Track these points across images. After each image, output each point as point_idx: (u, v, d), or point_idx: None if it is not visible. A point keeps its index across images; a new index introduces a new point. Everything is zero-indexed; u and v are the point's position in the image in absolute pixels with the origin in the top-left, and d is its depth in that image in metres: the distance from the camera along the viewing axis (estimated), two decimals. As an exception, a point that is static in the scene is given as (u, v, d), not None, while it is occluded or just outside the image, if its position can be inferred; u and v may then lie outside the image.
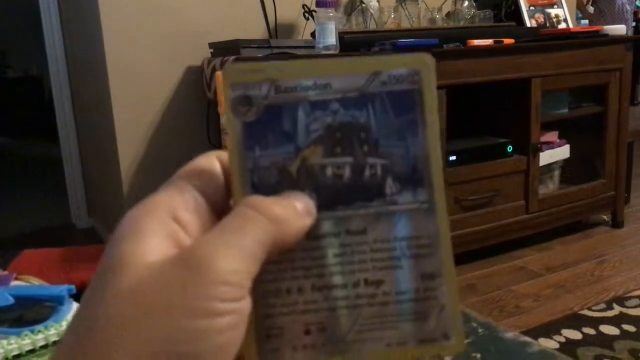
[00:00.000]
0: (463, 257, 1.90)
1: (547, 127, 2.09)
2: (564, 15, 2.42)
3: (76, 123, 2.62)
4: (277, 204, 0.20)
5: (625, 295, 1.74)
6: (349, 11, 2.06)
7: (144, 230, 0.19)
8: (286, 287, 0.20)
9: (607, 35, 2.15)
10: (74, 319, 0.18)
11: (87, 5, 2.03)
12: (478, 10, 2.18)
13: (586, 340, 1.50)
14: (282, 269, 0.20)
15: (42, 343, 0.46)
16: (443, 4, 2.19)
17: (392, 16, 2.05)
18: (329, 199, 0.21)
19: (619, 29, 2.21)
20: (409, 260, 0.21)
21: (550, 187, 2.20)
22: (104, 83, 1.97)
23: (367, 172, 0.21)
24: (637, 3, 5.26)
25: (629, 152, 2.34)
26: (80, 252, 0.70)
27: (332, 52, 1.68)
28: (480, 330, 0.45)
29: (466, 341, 0.44)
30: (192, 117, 2.05)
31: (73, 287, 0.51)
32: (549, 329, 1.56)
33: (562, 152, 2.18)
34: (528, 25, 2.29)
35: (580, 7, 4.18)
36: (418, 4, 2.10)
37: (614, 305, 1.67)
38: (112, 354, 0.17)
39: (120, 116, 1.95)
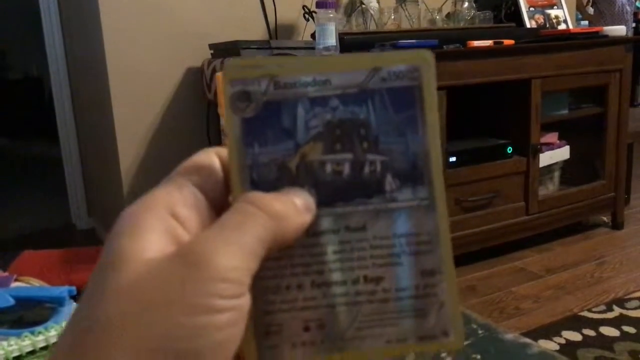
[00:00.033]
0: (463, 259, 1.90)
1: (547, 128, 2.09)
2: (563, 16, 2.42)
3: (76, 123, 2.62)
4: (276, 200, 0.20)
5: (626, 297, 1.74)
6: (349, 12, 2.07)
7: (142, 226, 0.19)
8: (285, 283, 0.20)
9: (607, 36, 2.15)
10: (72, 316, 0.18)
11: (87, 5, 2.03)
12: (478, 11, 2.18)
13: (586, 342, 1.50)
14: (281, 266, 0.20)
15: (42, 344, 0.46)
16: (443, 5, 2.20)
17: (392, 17, 2.05)
18: (329, 195, 0.21)
19: (618, 30, 2.21)
20: (409, 257, 0.21)
21: (550, 188, 2.20)
22: (104, 83, 1.97)
23: (366, 169, 0.21)
24: (637, 4, 5.26)
25: (629, 153, 2.34)
26: (80, 253, 0.70)
27: (332, 53, 1.68)
28: (480, 332, 0.45)
29: (466, 342, 0.44)
30: (192, 118, 2.05)
31: (73, 288, 0.51)
32: (549, 331, 1.56)
33: (562, 153, 2.18)
34: (528, 26, 2.29)
35: (580, 8, 4.18)
36: (418, 5, 2.10)
37: (614, 306, 1.67)
38: (111, 351, 0.17)
39: (121, 116, 1.95)
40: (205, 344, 0.17)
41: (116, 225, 0.19)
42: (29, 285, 0.56)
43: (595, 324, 1.58)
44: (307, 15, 2.05)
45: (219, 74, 0.48)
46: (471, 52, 1.81)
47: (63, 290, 0.50)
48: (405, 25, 2.06)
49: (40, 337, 0.46)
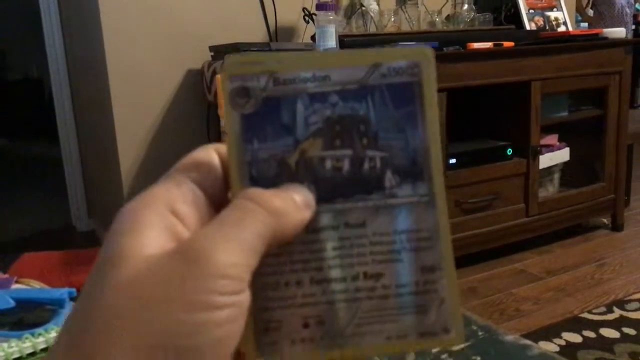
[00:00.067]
0: (463, 260, 1.90)
1: (546, 130, 2.09)
2: (563, 18, 2.43)
3: (76, 124, 2.62)
4: (276, 197, 0.19)
5: (626, 299, 1.74)
6: (349, 14, 2.07)
7: (141, 223, 0.18)
8: (285, 280, 0.20)
9: (606, 38, 2.15)
10: (71, 313, 0.18)
11: (87, 5, 2.03)
12: (478, 13, 2.18)
13: (586, 344, 1.50)
14: (280, 262, 0.20)
15: (42, 346, 0.46)
16: (443, 7, 2.20)
17: (392, 19, 2.06)
18: (328, 191, 0.21)
19: (618, 32, 2.21)
20: (409, 254, 0.21)
21: (550, 190, 2.20)
22: (104, 83, 1.97)
23: (366, 165, 0.21)
24: (636, 6, 5.26)
25: (629, 155, 2.34)
26: (80, 255, 0.70)
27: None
28: (480, 333, 0.45)
29: (466, 344, 0.44)
30: (193, 119, 2.05)
31: (74, 290, 0.51)
32: (549, 332, 1.56)
33: (562, 155, 2.18)
34: (528, 28, 2.30)
35: (579, 10, 4.19)
36: (418, 7, 2.11)
37: (614, 308, 1.67)
38: (110, 348, 0.17)
39: (121, 117, 1.95)
40: (205, 340, 0.17)
41: (115, 222, 0.19)
42: (29, 287, 0.56)
43: (595, 325, 1.58)
44: (307, 18, 2.05)
45: (219, 76, 0.48)
46: (471, 54, 1.81)
47: (63, 292, 0.50)
48: (405, 28, 2.07)
49: (41, 339, 0.46)
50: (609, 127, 2.20)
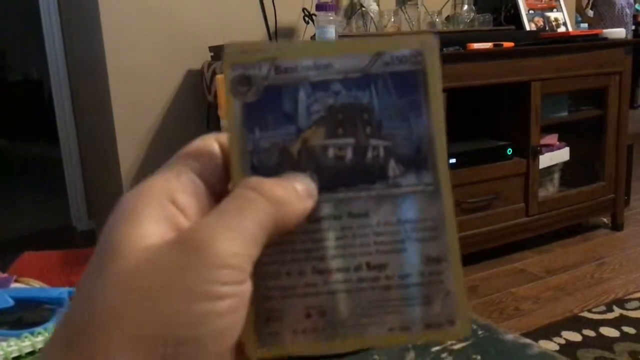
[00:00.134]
0: (463, 260, 1.89)
1: (546, 130, 2.09)
2: (563, 18, 2.43)
3: (76, 124, 2.62)
4: (277, 186, 0.19)
5: (625, 298, 1.74)
6: (349, 15, 2.07)
7: (141, 213, 0.18)
8: (286, 269, 0.20)
9: (606, 38, 2.15)
10: (70, 304, 0.18)
11: (87, 6, 2.03)
12: (477, 14, 2.19)
13: (586, 342, 1.50)
14: (282, 252, 0.20)
15: (41, 345, 0.46)
16: (443, 7, 2.20)
17: (392, 20, 2.06)
18: (331, 180, 0.20)
19: (618, 32, 2.21)
20: (413, 244, 0.20)
21: (550, 189, 2.20)
22: (104, 84, 1.97)
23: (369, 154, 0.20)
24: (636, 6, 5.27)
25: (629, 154, 2.34)
26: (80, 254, 0.70)
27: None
28: (480, 332, 0.45)
29: (466, 343, 0.44)
30: (192, 119, 2.05)
31: (73, 289, 0.51)
32: (549, 331, 1.56)
33: (562, 154, 2.18)
34: (527, 28, 2.30)
35: (579, 11, 4.19)
36: (418, 7, 2.11)
37: (614, 307, 1.67)
38: (110, 339, 0.16)
39: (121, 118, 1.95)
40: (207, 331, 0.17)
41: (113, 212, 0.19)
42: (28, 286, 0.56)
43: (595, 324, 1.58)
44: (307, 18, 2.05)
45: (219, 76, 0.48)
46: (471, 55, 1.82)
47: (63, 291, 0.50)
48: (405, 28, 2.07)
49: (40, 338, 0.46)
50: (609, 127, 2.20)
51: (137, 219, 0.18)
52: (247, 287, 0.18)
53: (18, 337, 0.45)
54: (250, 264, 0.18)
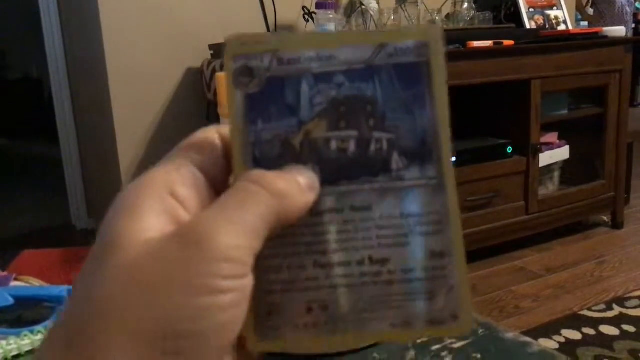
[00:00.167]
0: (463, 258, 1.90)
1: (546, 128, 2.09)
2: (563, 16, 2.42)
3: (76, 124, 2.62)
4: (279, 179, 0.19)
5: (625, 296, 1.74)
6: (348, 13, 2.07)
7: (140, 206, 0.18)
8: (287, 263, 0.20)
9: (606, 36, 2.15)
10: (69, 298, 0.18)
11: (87, 6, 2.03)
12: (478, 12, 2.18)
13: (586, 341, 1.50)
14: (283, 245, 0.20)
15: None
16: (443, 5, 2.20)
17: (392, 18, 2.05)
18: (333, 173, 0.20)
19: (618, 30, 2.21)
20: (417, 238, 0.20)
21: (550, 188, 2.20)
22: (104, 84, 1.97)
23: (372, 147, 0.20)
24: (637, 5, 5.26)
25: (629, 153, 2.34)
26: (80, 253, 0.70)
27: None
28: (480, 331, 0.45)
29: (466, 342, 0.44)
30: (192, 118, 2.05)
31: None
32: (548, 330, 1.56)
33: (562, 153, 2.18)
34: (527, 27, 2.29)
35: (579, 9, 4.18)
36: (418, 5, 2.10)
37: (614, 305, 1.67)
38: (110, 338, 0.16)
39: (120, 117, 1.95)
40: (208, 325, 0.17)
41: (113, 206, 0.19)
42: (28, 284, 0.56)
43: (595, 322, 1.58)
44: (307, 16, 2.05)
45: (219, 74, 0.48)
46: (471, 53, 1.81)
47: (62, 289, 0.50)
48: (405, 26, 2.06)
49: (40, 337, 0.46)
50: (609, 126, 2.20)
51: (138, 212, 0.18)
52: (248, 281, 0.18)
53: (18, 335, 0.45)
54: (252, 257, 0.18)
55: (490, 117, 2.15)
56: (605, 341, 1.49)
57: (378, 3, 2.08)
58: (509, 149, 2.01)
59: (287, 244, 0.20)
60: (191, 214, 0.19)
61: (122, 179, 1.98)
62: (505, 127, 2.07)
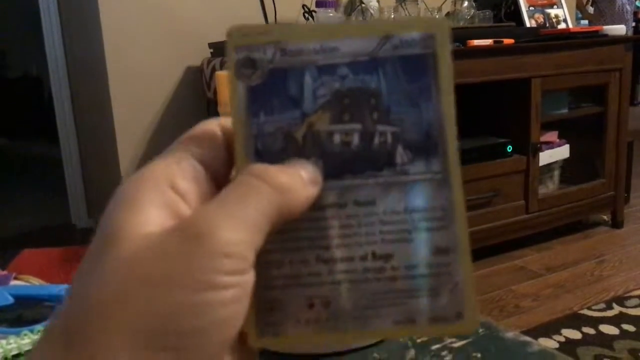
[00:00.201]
0: (463, 257, 1.90)
1: (546, 127, 2.09)
2: (563, 15, 2.42)
3: (76, 123, 2.62)
4: (282, 172, 0.19)
5: (625, 295, 1.74)
6: (348, 11, 2.07)
7: (140, 199, 0.18)
8: (289, 258, 0.20)
9: (606, 35, 2.15)
10: (67, 296, 0.17)
11: (87, 6, 2.03)
12: (478, 10, 2.18)
13: (586, 340, 1.50)
14: (285, 240, 0.19)
15: (41, 343, 0.45)
16: (443, 4, 2.20)
17: (392, 16, 2.05)
18: (336, 167, 0.20)
19: (618, 29, 2.21)
20: (421, 234, 0.19)
21: (550, 187, 2.20)
22: (103, 82, 1.97)
23: (376, 140, 0.20)
24: (637, 3, 5.26)
25: (629, 152, 2.34)
26: (80, 252, 0.70)
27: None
28: (480, 330, 0.45)
29: (466, 341, 0.44)
30: (192, 117, 2.05)
31: (73, 286, 0.51)
32: (548, 329, 1.56)
33: (562, 152, 2.18)
34: (528, 25, 2.29)
35: (580, 8, 4.18)
36: (418, 4, 2.10)
37: (614, 305, 1.67)
38: (110, 333, 0.16)
39: (120, 116, 1.95)
40: (209, 321, 0.16)
41: (112, 199, 0.18)
42: (28, 283, 0.56)
43: (595, 322, 1.58)
44: (306, 15, 2.05)
45: (219, 73, 0.48)
46: (471, 51, 1.81)
47: (62, 288, 0.50)
48: (405, 25, 2.06)
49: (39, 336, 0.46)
50: (609, 124, 2.20)
51: (137, 205, 0.18)
52: (249, 277, 0.18)
53: (18, 334, 0.45)
54: (253, 253, 0.18)
55: (490, 116, 2.15)
56: (605, 340, 1.49)
57: (378, 1, 2.08)
58: (509, 148, 2.01)
59: (289, 239, 0.20)
60: (191, 207, 0.18)
61: (122, 179, 1.98)
62: (505, 126, 2.07)
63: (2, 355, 0.44)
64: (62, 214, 2.73)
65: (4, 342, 0.44)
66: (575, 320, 1.60)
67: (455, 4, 2.19)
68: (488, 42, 1.83)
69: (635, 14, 4.91)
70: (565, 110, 2.20)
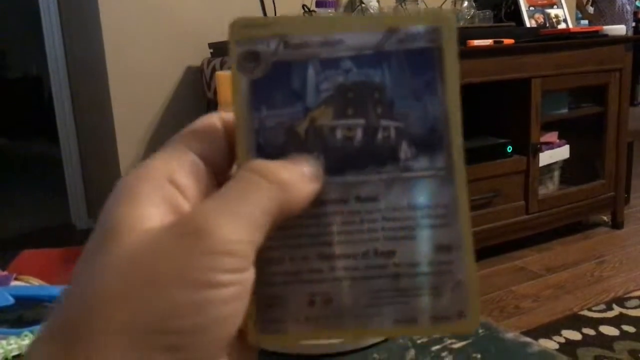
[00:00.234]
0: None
1: (547, 127, 2.09)
2: (563, 15, 2.42)
3: (76, 123, 2.62)
4: (282, 168, 0.18)
5: (625, 296, 1.74)
6: (349, 11, 2.07)
7: (139, 194, 0.18)
8: (290, 255, 0.19)
9: (607, 35, 2.15)
10: (63, 294, 0.17)
11: (87, 5, 2.03)
12: (478, 10, 2.18)
13: (586, 341, 1.50)
14: (286, 237, 0.19)
15: (42, 343, 0.45)
16: (443, 4, 2.20)
17: (392, 16, 2.05)
18: (339, 162, 0.19)
19: (618, 29, 2.21)
20: (424, 231, 0.19)
21: (550, 187, 2.20)
22: (103, 83, 1.97)
23: (380, 135, 0.19)
24: (637, 3, 5.26)
25: (629, 152, 2.34)
26: (80, 252, 0.70)
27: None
28: (480, 331, 0.45)
29: (466, 342, 0.44)
30: (192, 117, 2.02)
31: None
32: (548, 330, 1.56)
33: (562, 152, 2.18)
34: (528, 25, 2.29)
35: (580, 8, 4.18)
36: (418, 4, 2.10)
37: (614, 306, 1.67)
38: (109, 333, 0.16)
39: (120, 116, 1.95)
40: (208, 319, 0.16)
41: (111, 195, 0.18)
42: (28, 284, 0.56)
43: (595, 323, 1.58)
44: (306, 15, 2.05)
45: (219, 73, 0.48)
46: (471, 51, 1.81)
47: (62, 289, 0.50)
48: (405, 25, 2.06)
49: (40, 336, 0.45)
50: (609, 125, 2.20)
51: (137, 200, 0.17)
52: (249, 274, 0.18)
53: (18, 335, 0.45)
54: (254, 250, 0.17)
55: (490, 116, 2.15)
56: (605, 341, 1.49)
57: (378, 1, 2.08)
58: (509, 149, 2.01)
59: (290, 236, 0.19)
60: (191, 202, 0.18)
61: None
62: (505, 126, 2.07)
63: (3, 356, 0.44)
64: (62, 214, 2.73)
65: (4, 342, 0.44)
66: (576, 321, 1.60)
67: (455, 4, 2.19)
68: (488, 42, 1.83)
69: (635, 14, 4.91)
70: (565, 111, 2.20)
